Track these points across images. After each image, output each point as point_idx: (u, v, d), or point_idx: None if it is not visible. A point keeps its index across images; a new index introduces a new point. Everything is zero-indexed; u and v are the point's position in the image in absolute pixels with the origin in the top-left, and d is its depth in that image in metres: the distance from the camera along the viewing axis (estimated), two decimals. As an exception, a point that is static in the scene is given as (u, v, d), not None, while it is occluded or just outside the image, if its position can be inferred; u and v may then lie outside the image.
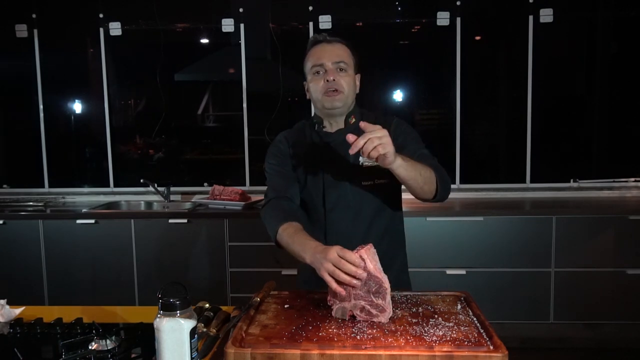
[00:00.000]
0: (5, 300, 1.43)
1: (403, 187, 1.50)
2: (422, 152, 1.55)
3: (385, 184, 1.56)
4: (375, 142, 1.23)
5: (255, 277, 3.18)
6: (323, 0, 3.64)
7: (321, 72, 1.56)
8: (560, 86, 3.79)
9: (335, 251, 1.22)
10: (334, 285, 1.22)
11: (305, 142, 1.63)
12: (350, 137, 1.26)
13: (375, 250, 1.25)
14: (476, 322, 1.20)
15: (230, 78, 3.82)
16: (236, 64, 3.74)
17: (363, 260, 1.20)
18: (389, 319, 1.22)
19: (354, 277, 1.20)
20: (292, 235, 1.42)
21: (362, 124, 1.27)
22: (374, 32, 3.79)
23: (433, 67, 3.82)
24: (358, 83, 1.64)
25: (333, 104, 1.55)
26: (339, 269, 1.21)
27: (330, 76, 1.53)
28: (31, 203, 3.67)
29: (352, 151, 1.25)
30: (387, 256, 1.53)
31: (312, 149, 1.61)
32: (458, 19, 3.60)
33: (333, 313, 1.25)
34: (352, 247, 1.25)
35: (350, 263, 1.20)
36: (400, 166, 1.32)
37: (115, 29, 3.75)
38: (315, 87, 1.57)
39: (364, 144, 1.23)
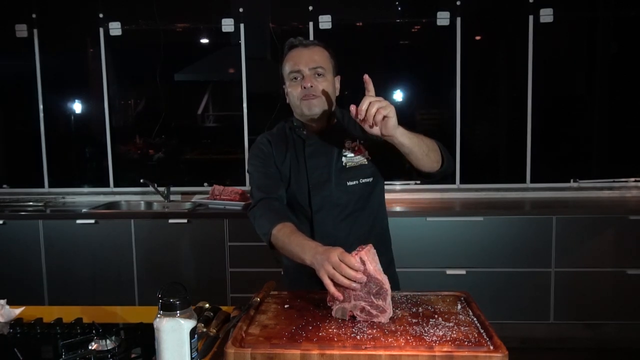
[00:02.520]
0: (5, 300, 1.43)
1: (387, 186, 1.52)
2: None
3: (370, 183, 1.57)
4: (376, 105, 1.23)
5: (255, 277, 3.18)
6: (323, 0, 3.64)
7: (299, 78, 1.54)
8: (560, 86, 3.79)
9: (336, 254, 1.22)
10: (332, 289, 1.22)
11: (288, 144, 1.62)
12: (352, 108, 1.26)
13: (375, 251, 1.25)
14: (476, 322, 1.20)
15: (230, 78, 3.83)
16: (236, 64, 3.74)
17: (363, 262, 1.20)
18: (389, 319, 1.22)
19: (353, 280, 1.21)
20: (288, 236, 1.41)
21: (366, 77, 1.27)
22: (374, 32, 3.79)
23: (433, 67, 3.82)
24: (338, 85, 1.62)
25: (312, 110, 1.53)
26: (339, 272, 1.21)
27: (308, 82, 1.51)
28: (31, 203, 3.67)
29: (358, 116, 1.25)
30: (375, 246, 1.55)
31: (295, 151, 1.61)
32: (458, 19, 3.60)
33: (333, 313, 1.25)
34: (339, 246, 1.26)
35: (350, 267, 1.20)
36: (403, 134, 1.31)
37: (115, 29, 3.75)
38: (293, 93, 1.55)
39: (367, 109, 1.23)
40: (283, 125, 1.68)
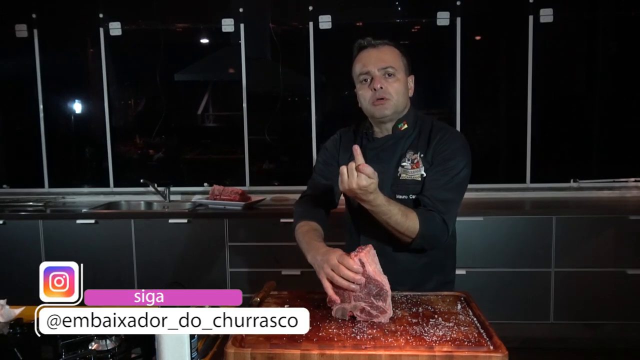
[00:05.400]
0: (5, 300, 1.43)
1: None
2: (446, 181, 1.47)
3: (416, 200, 1.49)
4: (353, 184, 1.25)
5: (255, 277, 3.18)
6: (323, 0, 3.63)
7: (368, 80, 1.51)
8: (560, 86, 3.79)
9: (335, 256, 1.23)
10: (329, 291, 1.23)
11: (354, 144, 1.62)
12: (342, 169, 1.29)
13: (375, 252, 1.25)
14: (476, 322, 1.20)
15: (230, 78, 3.82)
16: (236, 64, 3.74)
17: (363, 264, 1.20)
18: (389, 319, 1.22)
19: (352, 282, 1.21)
20: (303, 234, 1.46)
21: (355, 147, 1.27)
22: (374, 32, 3.75)
23: (433, 67, 3.82)
24: (412, 85, 1.57)
25: (382, 113, 1.51)
26: (337, 274, 1.21)
27: (377, 84, 1.48)
28: (31, 203, 3.66)
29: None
30: (427, 266, 1.54)
31: None
32: (458, 19, 3.60)
33: (333, 313, 1.26)
34: (385, 255, 1.29)
35: (349, 269, 1.20)
36: (380, 207, 1.33)
37: (115, 29, 3.75)
38: (363, 96, 1.53)
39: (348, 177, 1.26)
40: (358, 126, 1.67)
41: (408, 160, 1.51)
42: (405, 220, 1.38)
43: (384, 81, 1.49)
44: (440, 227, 1.44)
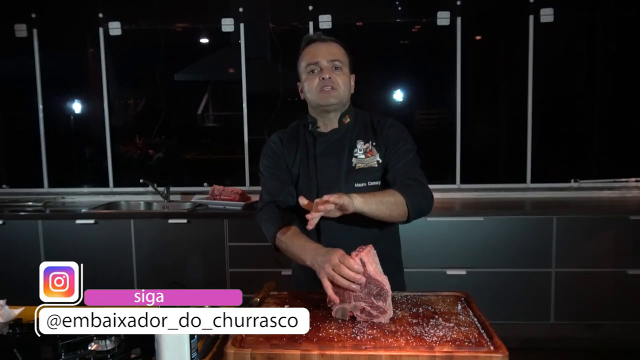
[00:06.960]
0: (5, 300, 1.42)
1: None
2: (408, 159, 1.53)
3: (378, 186, 1.54)
4: (330, 206, 1.25)
5: (255, 277, 3.18)
6: (323, 0, 3.63)
7: (316, 71, 1.54)
8: (560, 86, 3.79)
9: (337, 256, 1.22)
10: (329, 291, 1.23)
11: (299, 142, 1.62)
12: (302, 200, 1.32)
13: (375, 251, 1.25)
14: (476, 322, 1.20)
15: (230, 78, 3.82)
16: (236, 64, 3.74)
17: (363, 263, 1.20)
18: (389, 319, 1.21)
19: (352, 281, 1.21)
20: (290, 238, 1.43)
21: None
22: (374, 32, 3.79)
23: (433, 67, 3.82)
24: (353, 83, 1.62)
25: (328, 101, 1.53)
26: (338, 273, 1.21)
27: (326, 74, 1.52)
28: (30, 203, 3.66)
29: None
30: (382, 257, 1.53)
31: (306, 149, 1.60)
32: (458, 19, 3.60)
33: (333, 314, 1.25)
34: (345, 248, 1.26)
35: (350, 269, 1.20)
36: (363, 205, 1.32)
37: (115, 28, 3.75)
38: (310, 85, 1.55)
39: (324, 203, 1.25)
40: (297, 124, 1.67)
41: (360, 150, 1.55)
42: (389, 195, 1.41)
43: (332, 72, 1.53)
44: (422, 192, 1.48)
